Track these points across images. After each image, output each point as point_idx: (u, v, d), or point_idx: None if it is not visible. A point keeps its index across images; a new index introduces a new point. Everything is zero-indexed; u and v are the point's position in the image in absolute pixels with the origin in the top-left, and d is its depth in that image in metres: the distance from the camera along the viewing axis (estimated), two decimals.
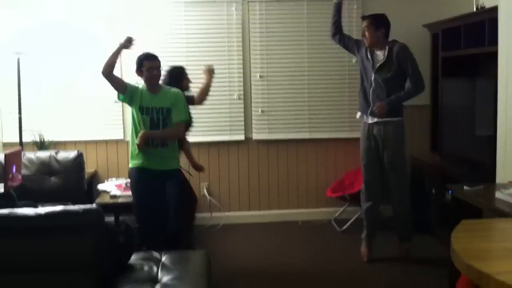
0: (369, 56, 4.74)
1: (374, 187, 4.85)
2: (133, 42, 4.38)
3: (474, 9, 5.27)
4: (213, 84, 5.58)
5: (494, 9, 4.37)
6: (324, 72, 6.01)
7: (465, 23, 5.20)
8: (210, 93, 5.40)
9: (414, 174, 5.92)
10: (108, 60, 4.30)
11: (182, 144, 4.91)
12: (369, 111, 4.73)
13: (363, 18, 4.83)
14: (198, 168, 5.15)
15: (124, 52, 4.40)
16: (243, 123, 6.02)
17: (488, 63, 4.71)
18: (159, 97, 4.41)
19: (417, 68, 4.68)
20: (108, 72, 4.29)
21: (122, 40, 4.36)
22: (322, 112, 6.09)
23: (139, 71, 4.40)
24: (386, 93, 4.67)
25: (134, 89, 4.42)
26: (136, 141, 4.31)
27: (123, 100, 4.50)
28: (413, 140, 6.13)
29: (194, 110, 5.84)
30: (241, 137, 6.02)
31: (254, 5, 5.97)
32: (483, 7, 5.15)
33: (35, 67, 5.73)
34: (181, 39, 5.93)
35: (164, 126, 4.39)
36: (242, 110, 5.99)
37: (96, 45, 5.71)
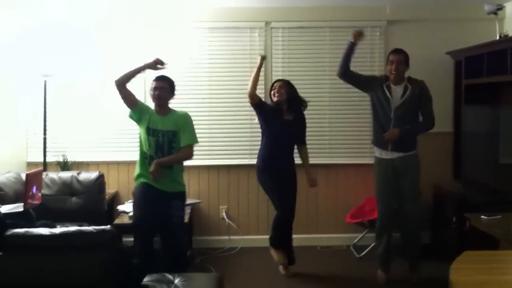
0: (387, 93, 4.75)
1: (389, 219, 4.90)
2: (161, 65, 4.50)
3: (497, 37, 5.26)
4: (234, 109, 5.68)
5: None
6: (346, 98, 6.01)
7: (488, 51, 5.17)
8: (231, 117, 5.54)
9: (436, 201, 5.88)
10: (127, 72, 4.42)
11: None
12: (389, 147, 4.76)
13: (398, 51, 4.81)
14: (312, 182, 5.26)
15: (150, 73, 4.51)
16: None
17: (511, 91, 4.68)
18: (167, 120, 4.47)
19: (432, 108, 4.79)
20: (120, 83, 4.41)
21: (150, 59, 4.49)
22: (343, 138, 6.08)
23: (150, 91, 4.51)
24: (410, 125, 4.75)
25: (145, 108, 4.50)
26: (151, 169, 4.30)
27: (132, 117, 4.55)
28: (436, 167, 6.08)
29: (216, 134, 5.94)
30: None
31: (277, 32, 6.03)
32: (506, 35, 5.14)
33: (60, 89, 5.87)
34: (204, 64, 6.01)
35: (170, 148, 4.42)
36: None
37: (122, 70, 5.80)
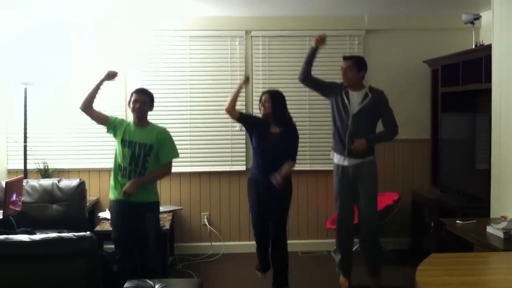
0: (345, 99, 4.74)
1: (349, 225, 4.89)
2: (115, 76, 4.47)
3: (473, 46, 5.37)
4: (215, 116, 5.71)
5: (491, 47, 4.45)
6: (326, 106, 6.01)
7: (464, 60, 5.29)
8: (212, 124, 5.55)
9: (414, 206, 5.97)
10: (87, 95, 4.38)
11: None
12: (345, 152, 4.73)
13: (345, 58, 4.83)
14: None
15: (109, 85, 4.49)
16: (244, 154, 6.08)
17: (486, 99, 4.77)
18: (145, 132, 4.43)
19: (394, 116, 4.80)
20: (85, 107, 4.38)
21: (104, 74, 4.44)
22: (323, 145, 6.14)
23: (129, 103, 4.48)
24: (365, 133, 4.71)
25: (118, 122, 4.47)
26: (126, 189, 4.27)
27: (109, 132, 4.50)
28: (414, 173, 6.21)
29: (197, 141, 5.98)
30: (243, 167, 6.07)
31: (257, 40, 6.10)
32: (482, 44, 5.24)
33: (41, 97, 5.88)
34: (185, 71, 6.06)
35: (144, 162, 4.37)
36: (244, 141, 6.06)
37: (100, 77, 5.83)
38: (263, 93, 4.95)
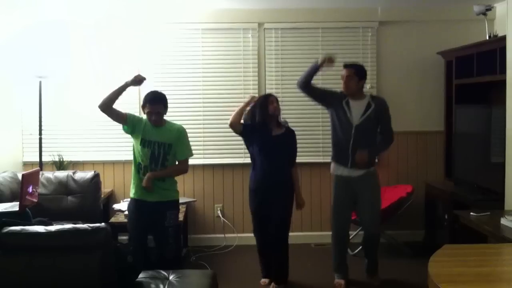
0: (346, 111, 4.63)
1: (345, 235, 4.88)
2: (143, 82, 4.39)
3: (487, 37, 5.34)
4: (228, 108, 5.71)
5: (505, 38, 4.41)
6: None
7: (478, 51, 5.25)
8: (225, 116, 5.53)
9: (428, 199, 5.95)
10: (109, 95, 4.30)
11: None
12: (349, 163, 4.64)
13: (346, 66, 4.71)
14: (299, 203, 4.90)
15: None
16: None
17: (501, 91, 4.74)
18: (162, 132, 4.42)
19: (391, 123, 4.73)
20: (105, 107, 4.30)
21: (130, 78, 4.35)
22: None
23: (143, 109, 4.43)
24: (368, 144, 4.64)
25: (136, 120, 4.44)
26: (143, 183, 4.32)
27: (126, 131, 4.48)
28: (428, 166, 6.19)
29: (210, 133, 6.00)
30: None
31: (270, 33, 6.10)
32: (495, 36, 5.21)
33: (56, 90, 5.93)
34: (198, 64, 6.09)
35: (164, 160, 4.39)
36: None
37: (115, 72, 5.87)
38: (269, 95, 4.87)
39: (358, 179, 4.66)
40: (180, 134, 4.48)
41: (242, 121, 4.82)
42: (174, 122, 4.58)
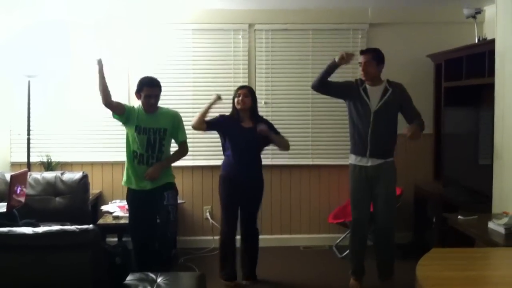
0: (364, 97, 4.59)
1: (364, 225, 4.78)
2: (103, 63, 4.39)
3: (476, 40, 5.36)
4: (218, 110, 5.69)
5: (494, 41, 4.44)
6: (328, 100, 6.00)
7: (467, 54, 5.27)
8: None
9: (417, 201, 5.98)
10: (100, 89, 4.35)
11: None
12: (368, 152, 4.59)
13: (363, 52, 4.68)
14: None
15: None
16: None
17: (489, 94, 4.77)
18: (156, 118, 4.48)
19: (413, 105, 4.67)
20: (106, 100, 4.35)
21: (96, 65, 4.37)
22: (326, 139, 6.16)
23: (138, 94, 4.48)
24: (387, 131, 4.62)
25: (130, 109, 4.50)
26: (150, 174, 4.40)
27: (116, 118, 4.51)
28: (417, 168, 6.20)
29: (199, 134, 5.97)
30: None
31: (260, 33, 6.10)
32: (484, 39, 5.24)
33: (45, 90, 5.89)
34: (188, 65, 6.07)
35: (161, 146, 4.46)
36: None
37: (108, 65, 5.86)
38: (240, 88, 4.94)
39: (376, 168, 4.60)
40: (176, 118, 4.58)
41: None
42: (167, 107, 4.68)
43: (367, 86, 4.63)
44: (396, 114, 4.66)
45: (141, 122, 4.44)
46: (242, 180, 4.83)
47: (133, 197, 4.56)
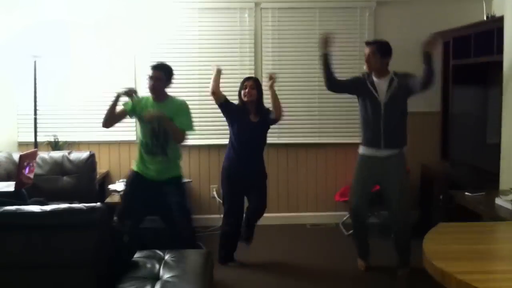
0: (372, 91, 4.55)
1: (364, 211, 4.77)
2: (134, 93, 4.41)
3: (485, 18, 5.30)
4: (224, 89, 5.69)
5: (503, 19, 4.39)
6: None
7: (475, 32, 5.21)
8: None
9: (424, 180, 5.97)
10: (107, 113, 4.42)
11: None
12: (382, 142, 4.54)
13: (368, 43, 4.66)
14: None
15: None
16: None
17: (498, 72, 4.73)
18: (163, 106, 4.45)
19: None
20: (108, 125, 4.47)
21: (121, 89, 4.40)
22: (332, 117, 6.15)
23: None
24: (399, 121, 4.60)
25: (135, 104, 4.46)
26: (150, 113, 4.36)
27: (131, 117, 4.63)
28: (424, 146, 6.18)
29: (206, 114, 5.97)
30: None
31: (266, 12, 6.06)
32: (493, 16, 5.18)
33: (51, 70, 5.89)
34: (194, 44, 6.05)
35: (165, 135, 4.43)
36: None
37: (111, 49, 5.88)
38: (246, 79, 4.92)
39: (389, 159, 4.56)
40: (181, 107, 4.51)
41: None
42: (178, 97, 4.62)
43: (374, 79, 4.59)
44: (406, 101, 4.62)
45: (146, 112, 4.42)
46: (242, 174, 4.83)
47: (135, 179, 4.54)
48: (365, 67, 4.63)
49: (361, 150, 4.73)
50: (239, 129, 4.81)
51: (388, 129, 4.55)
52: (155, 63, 4.52)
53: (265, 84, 4.97)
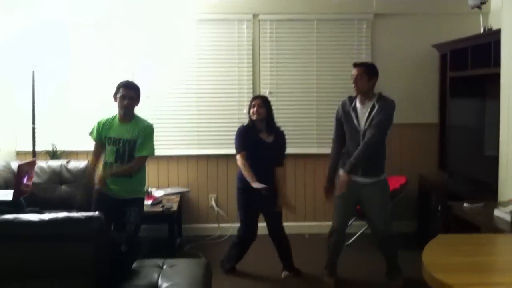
0: (353, 118, 4.49)
1: (342, 237, 4.78)
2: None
3: (482, 31, 5.34)
4: (222, 99, 5.72)
5: (500, 32, 4.42)
6: (333, 89, 6.08)
7: (472, 44, 5.25)
8: (220, 107, 5.61)
9: (421, 190, 5.97)
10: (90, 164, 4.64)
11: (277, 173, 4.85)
12: (360, 170, 4.46)
13: (356, 65, 4.57)
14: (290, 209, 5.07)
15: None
16: None
17: (495, 84, 4.77)
18: (128, 128, 4.39)
19: (386, 122, 4.46)
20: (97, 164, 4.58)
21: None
22: (331, 128, 6.05)
23: (115, 96, 4.41)
24: (378, 150, 4.51)
25: (100, 126, 4.47)
26: (98, 178, 4.44)
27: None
28: (421, 157, 6.20)
29: (204, 124, 5.98)
30: None
31: (265, 24, 6.08)
32: (490, 29, 5.22)
33: (50, 79, 5.89)
34: (192, 56, 6.06)
35: (130, 157, 4.37)
36: None
37: (111, 49, 5.93)
38: (254, 98, 4.90)
39: (369, 187, 4.51)
40: (145, 131, 4.41)
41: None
42: (145, 119, 4.53)
43: (357, 105, 4.53)
44: (386, 132, 4.52)
45: (112, 133, 4.39)
46: (257, 191, 4.70)
47: (96, 198, 4.51)
48: (353, 88, 4.54)
49: (340, 172, 4.63)
50: (250, 149, 4.75)
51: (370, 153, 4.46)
52: (127, 82, 4.45)
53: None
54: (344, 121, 4.58)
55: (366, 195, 4.55)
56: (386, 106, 4.45)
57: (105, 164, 4.49)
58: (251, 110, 4.80)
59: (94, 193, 4.56)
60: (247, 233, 4.92)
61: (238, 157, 4.74)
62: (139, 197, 4.53)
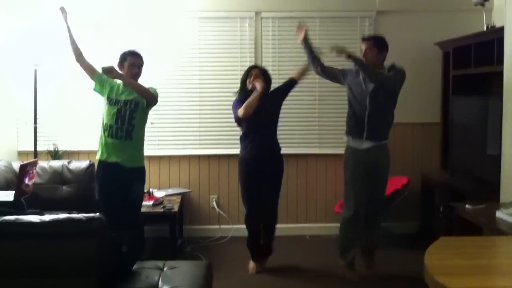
0: (361, 80, 4.62)
1: (362, 217, 4.73)
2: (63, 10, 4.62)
3: (484, 28, 5.31)
4: (224, 98, 5.69)
5: (503, 29, 4.39)
6: (335, 88, 6.00)
7: (475, 42, 5.22)
8: (222, 106, 5.59)
9: (424, 189, 5.95)
10: (70, 44, 4.57)
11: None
12: (365, 134, 4.60)
13: (365, 39, 4.74)
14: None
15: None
16: None
17: (498, 82, 4.73)
18: (131, 89, 4.45)
19: (392, 79, 4.59)
20: (76, 57, 4.57)
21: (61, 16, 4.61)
22: (333, 128, 6.12)
23: (121, 65, 4.48)
24: (384, 114, 4.65)
25: (105, 79, 4.50)
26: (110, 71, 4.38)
27: (96, 90, 4.60)
28: (424, 156, 6.18)
29: (206, 123, 5.96)
30: None
31: (267, 21, 6.06)
32: (493, 27, 5.18)
33: (51, 78, 5.88)
34: (194, 53, 6.04)
35: (131, 119, 4.41)
36: None
37: (110, 60, 5.83)
38: (252, 67, 4.99)
39: (372, 150, 4.62)
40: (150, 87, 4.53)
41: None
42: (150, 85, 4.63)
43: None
44: (393, 96, 4.67)
45: (115, 95, 4.46)
46: (260, 159, 4.80)
47: (104, 170, 4.50)
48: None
49: (347, 141, 4.82)
50: (251, 117, 4.74)
51: (372, 121, 4.59)
52: (133, 50, 4.56)
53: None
54: (349, 84, 4.72)
55: (371, 158, 4.62)
56: (398, 69, 4.61)
57: (104, 128, 4.48)
58: (248, 80, 4.83)
59: (98, 167, 4.58)
60: (253, 219, 4.97)
61: (239, 110, 4.74)
62: (140, 166, 4.58)
